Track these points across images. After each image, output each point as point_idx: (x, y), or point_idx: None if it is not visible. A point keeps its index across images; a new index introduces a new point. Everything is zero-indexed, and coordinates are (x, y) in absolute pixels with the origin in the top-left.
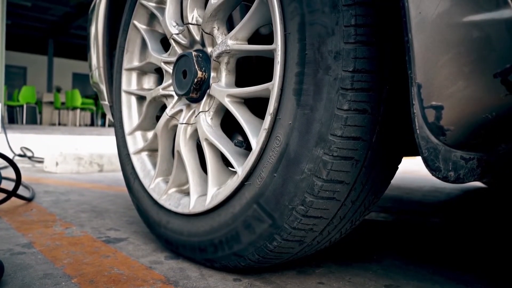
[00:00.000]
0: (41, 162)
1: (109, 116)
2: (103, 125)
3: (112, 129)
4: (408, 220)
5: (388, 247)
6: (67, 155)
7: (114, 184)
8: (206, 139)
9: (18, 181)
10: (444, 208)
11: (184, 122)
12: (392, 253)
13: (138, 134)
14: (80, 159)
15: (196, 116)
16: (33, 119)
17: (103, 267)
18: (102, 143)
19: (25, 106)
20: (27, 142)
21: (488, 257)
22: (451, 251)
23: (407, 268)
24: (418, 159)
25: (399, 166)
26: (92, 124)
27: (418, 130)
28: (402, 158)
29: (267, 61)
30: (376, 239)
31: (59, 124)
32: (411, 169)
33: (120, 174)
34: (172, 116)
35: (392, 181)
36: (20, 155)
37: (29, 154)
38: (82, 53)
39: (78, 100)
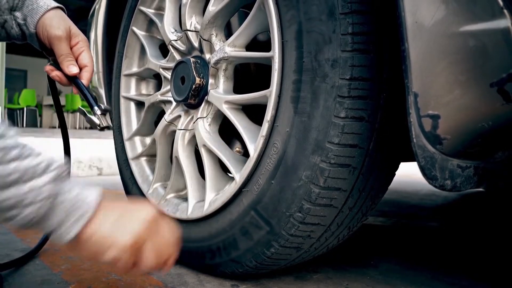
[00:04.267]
0: None
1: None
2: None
3: (111, 133)
4: (405, 224)
5: (386, 251)
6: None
7: (113, 188)
8: (204, 145)
9: None
10: (441, 212)
11: (182, 128)
12: (390, 257)
13: (137, 139)
14: (79, 163)
15: (194, 122)
16: (33, 122)
17: (100, 273)
18: (102, 147)
19: (25, 109)
20: None
21: (487, 261)
22: (449, 255)
23: (405, 273)
24: (415, 163)
25: (396, 172)
26: (92, 127)
27: (415, 139)
28: (399, 164)
29: (265, 68)
30: (373, 243)
31: (59, 127)
32: (408, 172)
33: (119, 178)
34: (171, 122)
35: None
36: None
37: None
38: None
39: (78, 103)
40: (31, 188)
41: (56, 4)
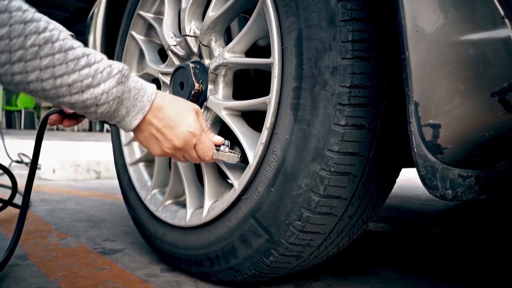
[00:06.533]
0: (38, 168)
1: (106, 126)
2: (101, 130)
3: (109, 136)
4: (406, 230)
5: (386, 258)
6: (64, 162)
7: (111, 192)
8: None
9: (14, 189)
10: (442, 218)
11: None
12: (390, 265)
13: (135, 144)
14: (77, 166)
15: None
16: (32, 124)
17: (98, 280)
18: (100, 150)
19: (23, 111)
20: (25, 148)
21: (487, 268)
22: (450, 262)
23: (406, 281)
24: None
25: (397, 179)
26: (90, 129)
27: (415, 149)
28: (400, 171)
29: (265, 74)
30: (374, 250)
31: (57, 129)
32: (409, 177)
33: (117, 182)
34: None
35: None
36: (17, 161)
37: (26, 160)
38: None
39: None
40: (103, 91)
41: (69, 33)
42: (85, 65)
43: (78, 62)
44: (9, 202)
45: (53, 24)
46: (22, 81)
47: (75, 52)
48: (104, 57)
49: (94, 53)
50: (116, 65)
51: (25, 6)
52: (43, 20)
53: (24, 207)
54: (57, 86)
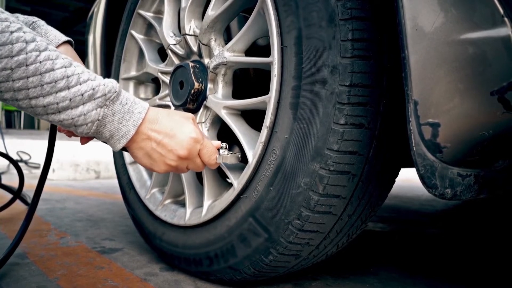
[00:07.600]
0: (38, 168)
1: None
2: None
3: None
4: (406, 231)
5: (385, 258)
6: (63, 161)
7: (111, 192)
8: None
9: (21, 182)
10: (442, 218)
11: None
12: (390, 265)
13: None
14: (76, 166)
15: None
16: (31, 123)
17: (97, 279)
18: (99, 149)
19: (22, 111)
20: (24, 148)
21: (486, 268)
22: (449, 263)
23: (405, 281)
24: None
25: (396, 178)
26: None
27: (414, 147)
28: (399, 171)
29: (265, 73)
30: (373, 250)
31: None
32: (409, 177)
33: (116, 181)
34: None
35: None
36: (17, 160)
37: (26, 157)
38: (81, 59)
39: None
40: (81, 113)
41: (66, 38)
42: (63, 87)
43: (55, 84)
44: (17, 195)
45: (34, 44)
46: (0, 98)
47: (53, 74)
48: (91, 78)
49: (80, 74)
50: (102, 88)
51: (1, 27)
52: (22, 42)
53: (32, 207)
54: (32, 106)
